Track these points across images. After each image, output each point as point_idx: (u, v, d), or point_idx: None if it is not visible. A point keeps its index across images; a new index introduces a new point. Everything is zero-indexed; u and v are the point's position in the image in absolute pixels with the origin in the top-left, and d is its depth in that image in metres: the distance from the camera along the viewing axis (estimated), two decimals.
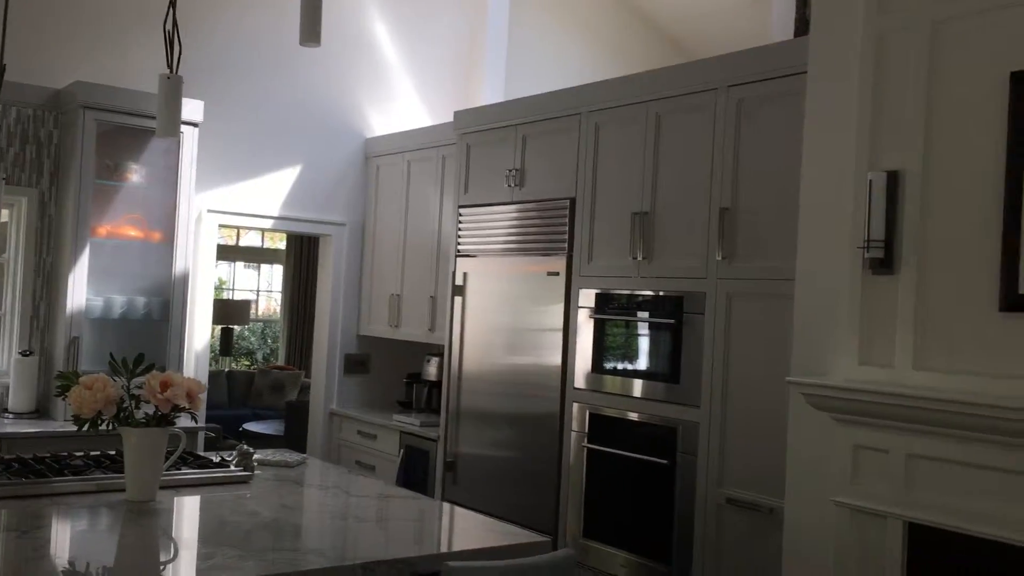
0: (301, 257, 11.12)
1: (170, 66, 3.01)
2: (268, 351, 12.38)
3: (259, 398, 9.84)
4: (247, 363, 12.09)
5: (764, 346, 3.52)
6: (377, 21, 6.07)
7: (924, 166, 2.87)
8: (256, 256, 12.45)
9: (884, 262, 2.91)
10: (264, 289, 12.72)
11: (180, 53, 3.01)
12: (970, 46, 2.81)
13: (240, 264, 12.38)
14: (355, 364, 6.12)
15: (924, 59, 2.90)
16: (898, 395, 2.78)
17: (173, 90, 2.99)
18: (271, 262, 12.40)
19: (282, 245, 11.81)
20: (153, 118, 4.66)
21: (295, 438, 6.73)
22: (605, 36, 6.94)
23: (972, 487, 2.66)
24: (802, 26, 4.51)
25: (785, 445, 3.26)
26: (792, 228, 3.32)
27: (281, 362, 11.21)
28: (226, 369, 10.60)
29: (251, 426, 8.59)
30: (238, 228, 7.65)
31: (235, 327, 11.12)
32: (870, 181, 2.93)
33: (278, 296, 12.26)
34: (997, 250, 2.67)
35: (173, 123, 3.00)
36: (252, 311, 11.81)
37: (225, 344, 10.78)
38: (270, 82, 5.67)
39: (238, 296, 12.09)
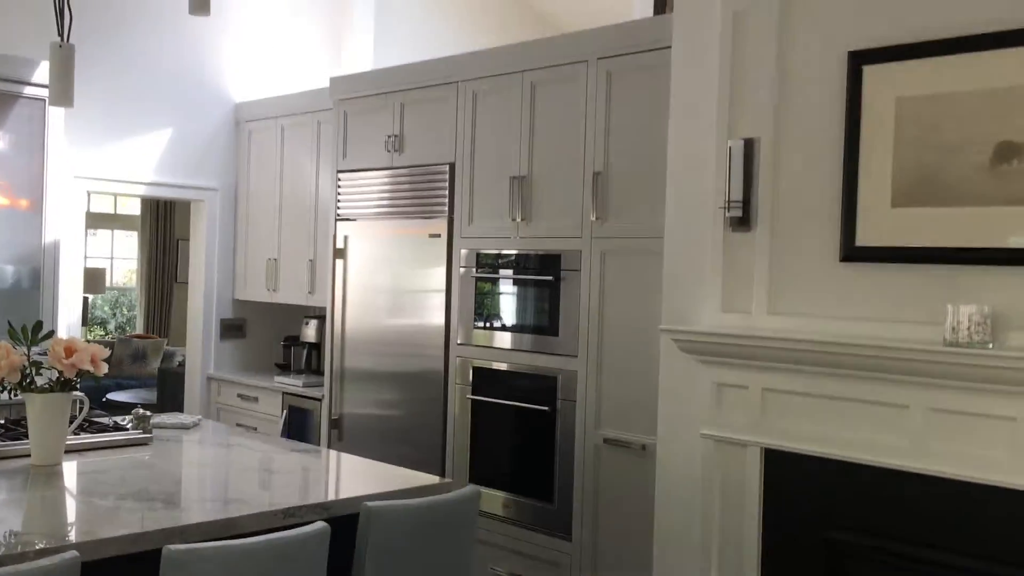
0: (158, 222, 10.86)
1: (61, 34, 3.02)
2: (124, 320, 12.04)
3: (119, 367, 9.61)
4: (101, 332, 11.73)
5: (635, 299, 3.85)
6: None
7: (776, 133, 3.23)
8: (108, 222, 12.02)
9: (742, 220, 3.27)
10: (118, 256, 12.31)
11: (71, 21, 3.01)
12: (814, 26, 3.17)
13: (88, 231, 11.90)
14: (231, 329, 6.16)
15: (774, 36, 3.25)
16: (755, 337, 3.15)
17: (66, 59, 3.00)
18: (125, 228, 12.01)
19: (134, 211, 11.46)
20: (14, 81, 4.63)
21: (169, 405, 6.69)
22: (467, 3, 7.09)
23: (818, 415, 3.07)
24: (660, 2, 4.85)
25: (655, 388, 3.61)
26: (660, 190, 3.64)
27: (139, 331, 10.95)
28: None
29: (116, 395, 8.41)
30: (109, 194, 7.42)
31: (90, 296, 10.76)
32: (729, 148, 3.28)
33: (131, 263, 11.90)
34: (838, 208, 3.07)
35: (67, 93, 3.01)
36: (107, 279, 11.45)
37: (82, 314, 10.43)
38: (136, 45, 5.57)
39: (91, 264, 11.66)
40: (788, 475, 3.18)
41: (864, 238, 3.00)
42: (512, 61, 4.34)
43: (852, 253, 3.03)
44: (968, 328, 2.68)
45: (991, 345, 2.68)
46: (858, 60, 3.02)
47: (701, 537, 3.37)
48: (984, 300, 2.73)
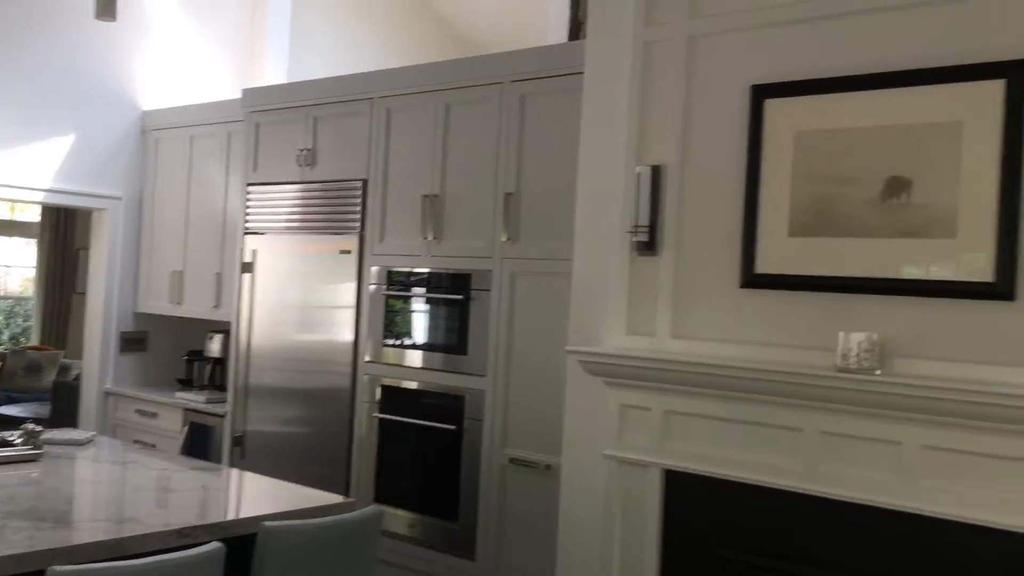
0: (58, 230, 10.49)
1: None
2: (18, 331, 11.58)
3: (12, 380, 9.23)
4: None
5: (544, 320, 3.89)
6: None
7: (683, 161, 3.31)
8: (5, 229, 11.56)
9: (648, 245, 3.34)
10: (14, 264, 11.83)
11: None
12: (720, 59, 3.27)
13: None
14: (131, 342, 5.98)
15: (682, 68, 3.34)
16: (658, 360, 3.21)
17: None
18: (23, 235, 11.56)
19: (31, 217, 11.04)
20: None
21: (64, 420, 6.45)
22: (384, 21, 7.10)
23: (717, 437, 3.14)
24: (575, 27, 4.94)
25: (561, 408, 3.64)
26: (570, 213, 3.69)
27: (35, 342, 10.54)
28: None
29: (6, 409, 8.06)
30: (5, 200, 7.17)
31: None
32: (637, 174, 3.35)
33: (28, 272, 11.46)
34: (739, 236, 3.16)
35: None
36: (1, 288, 11.00)
37: None
38: (39, 48, 5.40)
39: None
40: (687, 495, 3.24)
41: (763, 265, 3.10)
42: (427, 80, 4.36)
43: (751, 280, 3.13)
44: (857, 354, 2.79)
45: (879, 371, 2.79)
46: (760, 93, 3.12)
47: (603, 556, 3.41)
48: (873, 328, 2.85)
